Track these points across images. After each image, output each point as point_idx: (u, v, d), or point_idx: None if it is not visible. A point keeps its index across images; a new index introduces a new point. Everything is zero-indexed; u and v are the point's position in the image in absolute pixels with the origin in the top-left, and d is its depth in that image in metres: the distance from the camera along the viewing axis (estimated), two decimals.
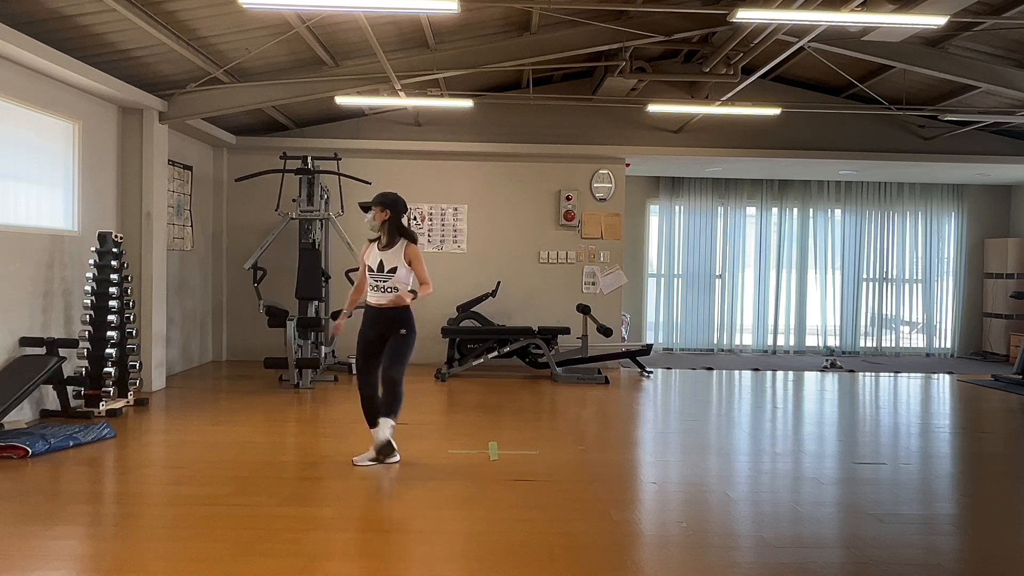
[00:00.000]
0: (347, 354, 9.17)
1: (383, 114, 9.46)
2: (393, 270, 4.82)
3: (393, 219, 4.88)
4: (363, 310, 5.01)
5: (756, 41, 7.01)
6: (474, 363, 8.56)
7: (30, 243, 5.94)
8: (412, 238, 4.94)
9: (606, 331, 8.67)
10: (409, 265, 4.88)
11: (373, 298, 4.88)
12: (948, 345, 12.21)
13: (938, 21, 5.36)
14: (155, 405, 6.72)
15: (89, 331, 6.18)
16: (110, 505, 4.12)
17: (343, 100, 7.68)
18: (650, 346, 9.42)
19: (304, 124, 9.47)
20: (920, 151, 9.86)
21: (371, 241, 5.00)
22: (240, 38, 6.54)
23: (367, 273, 4.92)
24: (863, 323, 12.06)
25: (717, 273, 11.87)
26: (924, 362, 11.32)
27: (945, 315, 12.21)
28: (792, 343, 12.04)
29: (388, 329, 4.87)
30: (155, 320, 7.36)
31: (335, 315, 8.32)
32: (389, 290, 4.83)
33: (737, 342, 11.94)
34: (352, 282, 8.47)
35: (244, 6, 5.03)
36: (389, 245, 4.87)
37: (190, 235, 8.72)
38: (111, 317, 6.20)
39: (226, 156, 9.54)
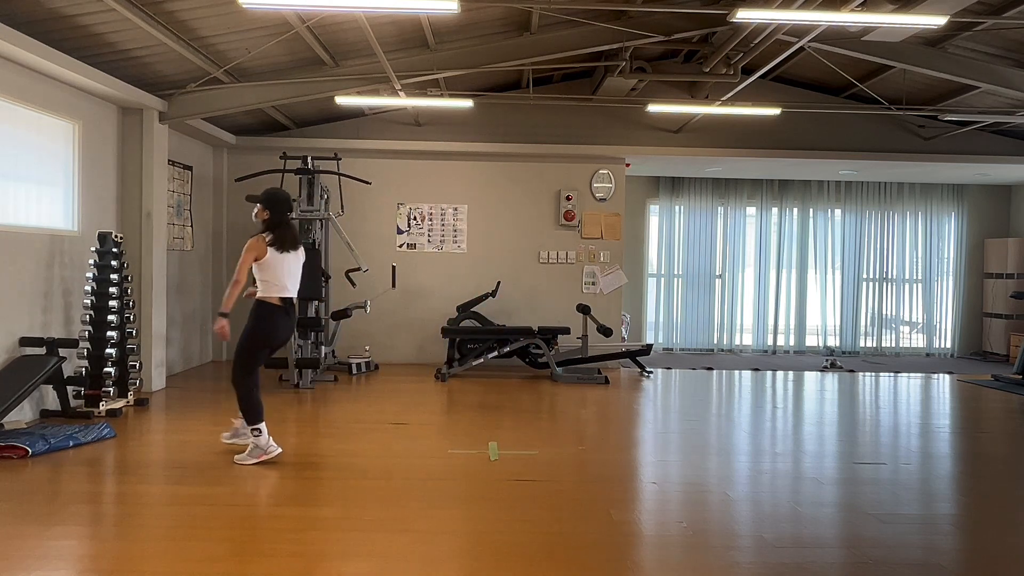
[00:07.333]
0: (347, 354, 9.18)
1: (383, 114, 9.46)
2: None
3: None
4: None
5: (756, 41, 7.01)
6: (474, 363, 8.56)
7: (30, 243, 5.94)
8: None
9: (606, 331, 8.67)
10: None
11: None
12: (948, 345, 12.22)
13: (938, 21, 5.35)
14: (155, 405, 6.72)
15: (89, 331, 6.19)
16: (110, 505, 4.11)
17: (343, 100, 7.67)
18: (650, 346, 9.42)
19: (304, 124, 9.47)
20: (920, 151, 9.86)
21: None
22: (240, 38, 6.54)
23: None
24: (863, 323, 12.07)
25: (717, 273, 11.87)
26: (924, 362, 11.32)
27: (945, 315, 12.22)
28: (792, 343, 12.05)
29: None
30: (155, 320, 7.37)
31: (335, 315, 8.34)
32: None
33: (737, 342, 11.95)
34: (353, 283, 8.51)
35: (244, 6, 5.03)
36: None
37: (190, 235, 8.72)
38: (111, 317, 6.21)
39: (226, 156, 9.54)
